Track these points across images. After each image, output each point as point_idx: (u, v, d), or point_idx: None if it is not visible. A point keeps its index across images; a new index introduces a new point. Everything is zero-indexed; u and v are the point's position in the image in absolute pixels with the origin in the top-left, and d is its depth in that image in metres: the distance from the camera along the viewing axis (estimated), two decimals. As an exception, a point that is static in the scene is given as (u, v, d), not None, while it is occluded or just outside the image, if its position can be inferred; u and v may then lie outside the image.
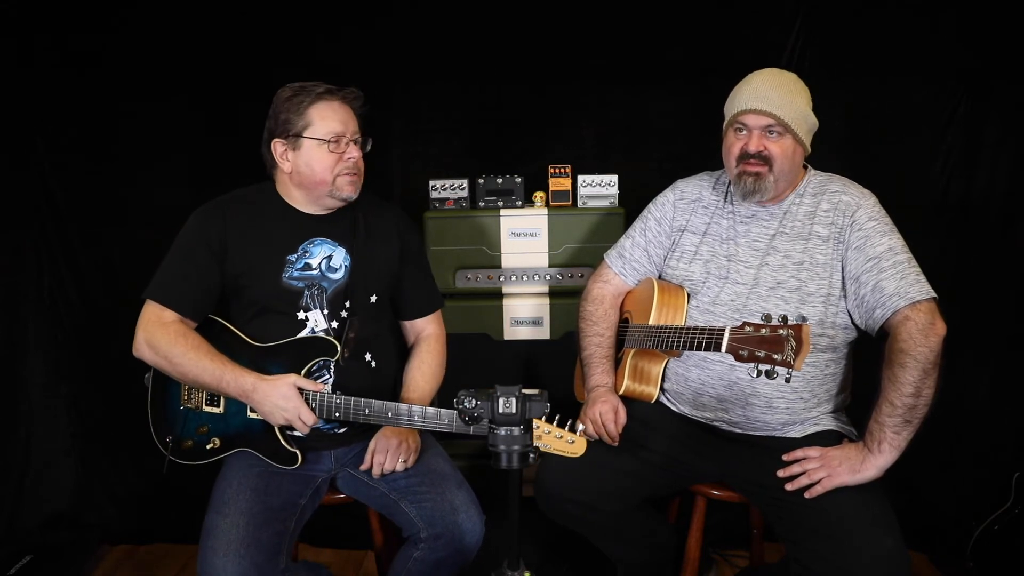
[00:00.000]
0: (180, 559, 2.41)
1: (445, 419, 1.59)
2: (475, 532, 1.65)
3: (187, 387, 1.72)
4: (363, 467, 1.70)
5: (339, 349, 1.65)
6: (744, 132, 1.67)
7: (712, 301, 1.73)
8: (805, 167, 1.79)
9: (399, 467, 1.69)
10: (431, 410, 1.61)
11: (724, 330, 1.50)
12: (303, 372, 1.64)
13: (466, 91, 2.49)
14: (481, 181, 2.31)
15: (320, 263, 1.71)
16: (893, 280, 1.59)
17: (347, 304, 1.72)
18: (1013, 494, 2.15)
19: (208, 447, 1.70)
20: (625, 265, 1.91)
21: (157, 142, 2.51)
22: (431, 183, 2.31)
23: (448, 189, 2.30)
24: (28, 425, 2.56)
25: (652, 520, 1.86)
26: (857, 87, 2.28)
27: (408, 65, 2.46)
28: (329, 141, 1.64)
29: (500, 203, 2.30)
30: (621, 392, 1.81)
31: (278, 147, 1.67)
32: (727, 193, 1.80)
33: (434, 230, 2.28)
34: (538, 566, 1.55)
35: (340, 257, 1.73)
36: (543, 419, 1.57)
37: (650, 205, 1.91)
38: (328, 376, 1.70)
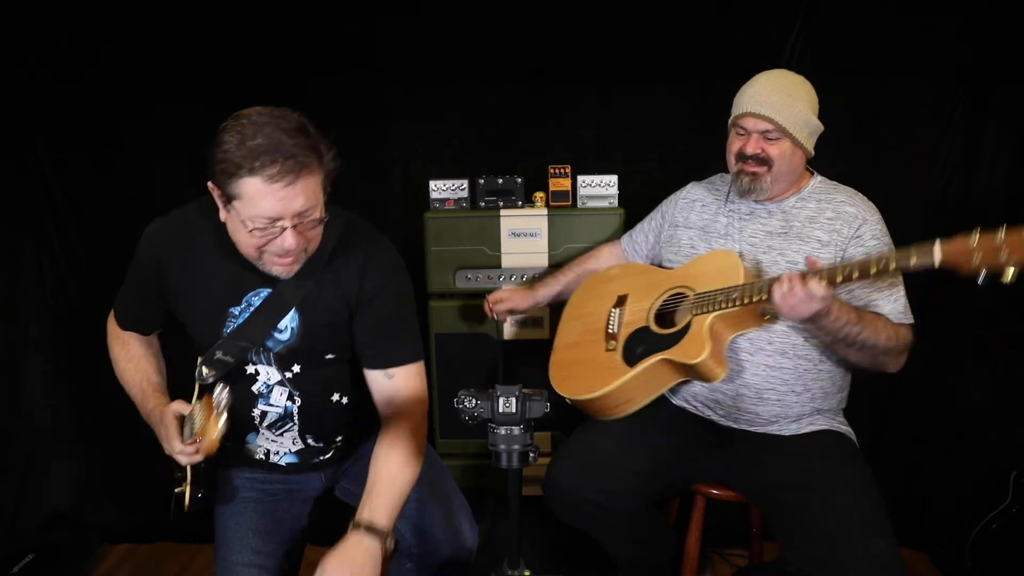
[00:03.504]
0: (180, 559, 2.42)
1: None
2: (467, 544, 1.62)
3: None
4: None
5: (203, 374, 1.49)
6: (744, 134, 1.71)
7: None
8: (811, 171, 1.81)
9: None
10: None
11: (934, 246, 1.45)
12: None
13: (466, 91, 2.49)
14: (481, 181, 2.31)
15: None
16: (888, 302, 1.63)
17: (296, 363, 1.52)
18: (1011, 493, 2.15)
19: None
20: (631, 244, 2.07)
21: (158, 142, 2.50)
22: (431, 183, 2.31)
23: (448, 189, 2.30)
24: (28, 425, 2.57)
25: (657, 520, 1.87)
26: (857, 87, 2.28)
27: (408, 65, 2.46)
28: (253, 225, 1.28)
29: (500, 203, 2.30)
30: (703, 357, 1.62)
31: (213, 190, 1.33)
32: (728, 192, 1.84)
33: (434, 230, 2.28)
34: (538, 566, 1.54)
35: (288, 316, 1.46)
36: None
37: (667, 198, 2.03)
38: (292, 424, 1.56)
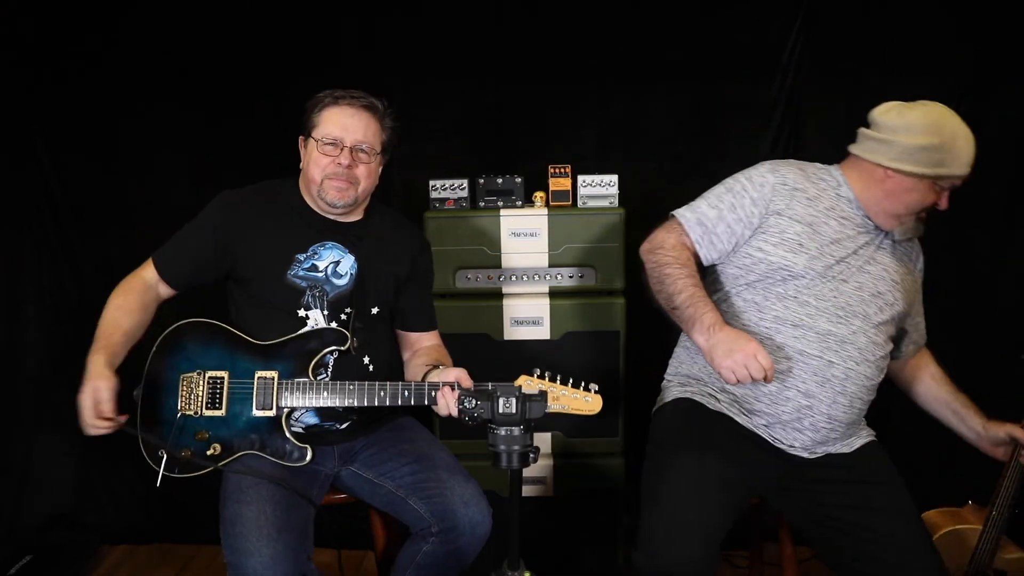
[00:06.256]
0: (180, 559, 2.42)
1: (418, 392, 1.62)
2: (485, 524, 1.67)
3: (184, 394, 1.68)
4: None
5: (349, 338, 1.67)
6: (944, 189, 1.66)
7: (817, 296, 1.67)
8: None
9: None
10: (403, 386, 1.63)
11: None
12: (313, 363, 1.66)
13: (466, 91, 2.49)
14: (481, 181, 2.31)
15: (327, 267, 1.75)
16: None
17: (348, 310, 1.75)
18: (1013, 494, 2.14)
19: (208, 453, 1.63)
20: (704, 235, 1.73)
21: (157, 141, 2.51)
22: (431, 183, 2.31)
23: (448, 189, 2.30)
24: (28, 425, 2.57)
25: None
26: (857, 87, 2.28)
27: (408, 65, 2.46)
28: (323, 143, 1.69)
29: (500, 203, 2.30)
30: None
31: (301, 144, 1.77)
32: (838, 196, 1.75)
33: (434, 230, 2.28)
34: (538, 567, 1.55)
35: (348, 264, 1.77)
36: (557, 381, 1.59)
37: (744, 181, 1.74)
38: (325, 375, 1.71)
